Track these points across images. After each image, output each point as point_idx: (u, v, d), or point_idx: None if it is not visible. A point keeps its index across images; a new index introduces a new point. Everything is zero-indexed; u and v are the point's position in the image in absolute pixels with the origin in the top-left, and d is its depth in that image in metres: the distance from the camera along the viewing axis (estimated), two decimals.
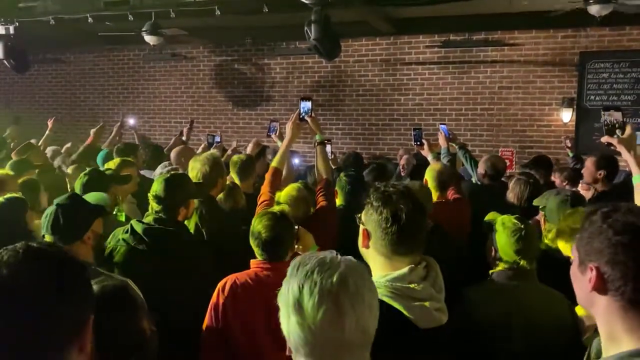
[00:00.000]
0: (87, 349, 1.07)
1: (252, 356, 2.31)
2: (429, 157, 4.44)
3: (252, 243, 2.43)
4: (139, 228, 2.63)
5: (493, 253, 2.33)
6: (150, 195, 2.79)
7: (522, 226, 2.27)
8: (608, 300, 1.10)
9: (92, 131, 5.31)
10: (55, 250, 1.11)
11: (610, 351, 1.10)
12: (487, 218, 2.52)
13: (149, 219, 2.72)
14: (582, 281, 1.15)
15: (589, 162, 4.16)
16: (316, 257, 1.17)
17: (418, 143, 4.65)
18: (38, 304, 1.00)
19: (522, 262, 2.23)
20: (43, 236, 2.35)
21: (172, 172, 3.35)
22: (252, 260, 2.45)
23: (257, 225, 2.42)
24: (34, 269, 1.03)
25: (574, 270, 1.18)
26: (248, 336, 2.31)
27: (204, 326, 2.36)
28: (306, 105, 3.49)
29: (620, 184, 4.23)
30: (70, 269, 1.08)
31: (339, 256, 1.20)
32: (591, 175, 4.07)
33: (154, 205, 2.73)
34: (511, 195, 3.61)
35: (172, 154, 4.87)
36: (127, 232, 2.65)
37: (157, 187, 2.84)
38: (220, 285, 2.38)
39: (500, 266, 2.29)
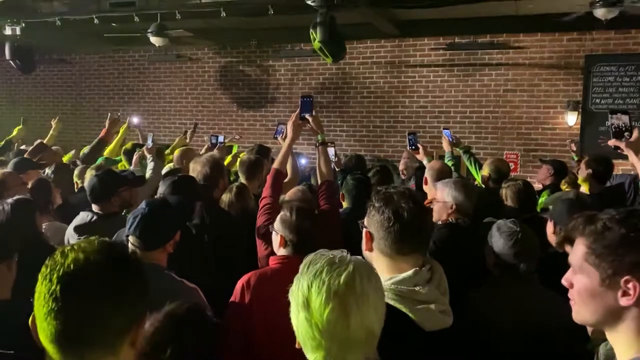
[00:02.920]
0: (137, 345, 1.12)
1: (273, 353, 2.26)
2: (424, 162, 4.46)
3: (283, 233, 2.42)
4: None
5: (492, 258, 2.32)
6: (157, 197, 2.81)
7: (518, 229, 2.27)
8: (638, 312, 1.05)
9: (107, 123, 5.27)
10: (123, 249, 1.18)
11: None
12: (485, 221, 2.52)
13: None
14: (606, 297, 1.08)
15: (582, 162, 4.21)
16: (326, 257, 1.23)
17: (413, 148, 4.66)
18: (102, 295, 1.06)
19: (521, 266, 2.22)
20: (127, 235, 2.31)
21: (180, 175, 3.36)
22: (271, 257, 2.45)
23: (290, 215, 2.42)
24: (104, 262, 1.09)
25: (591, 288, 1.10)
26: (270, 332, 2.25)
27: (225, 323, 2.31)
28: (307, 103, 3.23)
29: (612, 188, 4.23)
30: (134, 269, 1.14)
31: (348, 256, 1.24)
32: (582, 173, 4.11)
33: None
34: (509, 202, 3.58)
35: (175, 155, 4.89)
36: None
37: (164, 189, 2.85)
38: (243, 281, 2.35)
39: (500, 270, 2.29)
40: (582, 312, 1.14)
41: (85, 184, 3.55)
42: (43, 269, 1.08)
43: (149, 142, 4.56)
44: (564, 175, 4.98)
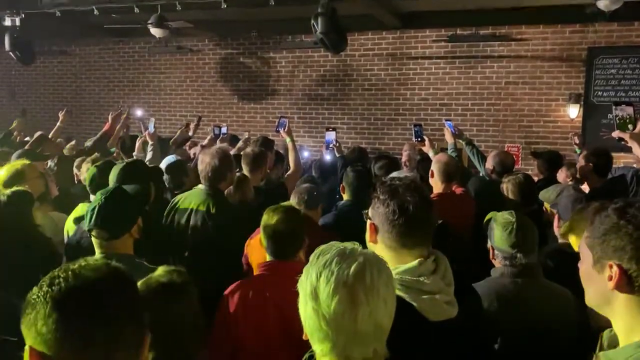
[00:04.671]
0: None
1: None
2: (430, 154, 4.43)
3: (262, 238, 2.39)
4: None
5: (492, 251, 2.32)
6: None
7: (514, 220, 2.27)
8: (628, 296, 1.08)
9: (110, 117, 5.26)
10: (127, 272, 1.15)
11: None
12: (486, 218, 2.51)
13: None
14: (598, 280, 1.12)
15: (581, 155, 4.19)
16: (337, 248, 1.21)
17: (419, 139, 4.62)
18: (116, 317, 1.04)
19: (519, 256, 2.22)
20: (90, 230, 2.28)
21: (129, 161, 3.30)
22: (258, 264, 2.42)
23: (269, 218, 2.38)
24: (117, 286, 1.08)
25: (587, 270, 1.16)
26: (262, 343, 2.24)
27: (213, 332, 2.29)
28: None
29: (615, 180, 4.22)
30: (136, 292, 1.14)
31: (359, 248, 1.23)
32: (582, 168, 4.09)
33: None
34: (510, 195, 3.57)
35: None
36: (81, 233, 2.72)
37: (113, 177, 2.84)
38: (228, 291, 2.32)
39: (500, 263, 2.29)
40: (587, 295, 1.19)
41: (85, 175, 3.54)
42: (37, 290, 1.03)
43: (151, 128, 4.54)
44: (559, 167, 4.95)
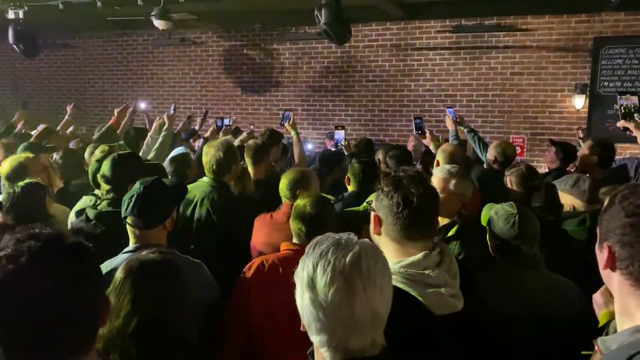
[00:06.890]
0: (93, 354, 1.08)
1: (272, 341, 2.27)
2: (431, 147, 4.40)
3: (294, 224, 2.39)
4: (91, 214, 2.70)
5: (493, 242, 2.32)
6: (98, 178, 2.84)
7: (515, 211, 2.26)
8: (620, 278, 1.13)
9: (116, 111, 5.28)
10: (74, 246, 1.12)
11: (624, 326, 1.13)
12: (483, 211, 2.49)
13: (103, 204, 2.78)
14: (600, 260, 1.18)
15: (585, 146, 4.15)
16: (333, 238, 1.22)
17: (419, 132, 4.59)
18: (58, 300, 1.02)
19: (523, 247, 2.21)
20: (125, 217, 2.30)
21: (120, 152, 3.25)
22: (282, 243, 2.43)
23: (301, 202, 2.40)
24: (57, 266, 1.05)
25: (596, 248, 1.21)
26: (270, 320, 2.25)
27: (230, 305, 2.32)
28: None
29: (615, 171, 4.20)
30: (88, 267, 1.11)
31: (355, 238, 1.23)
32: (586, 159, 4.05)
33: (103, 187, 2.80)
34: (514, 188, 3.55)
35: None
36: (81, 220, 2.74)
37: (104, 169, 2.83)
38: (247, 267, 2.36)
39: (502, 254, 2.28)
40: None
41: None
42: None
43: (171, 110, 4.64)
44: (572, 160, 4.92)
